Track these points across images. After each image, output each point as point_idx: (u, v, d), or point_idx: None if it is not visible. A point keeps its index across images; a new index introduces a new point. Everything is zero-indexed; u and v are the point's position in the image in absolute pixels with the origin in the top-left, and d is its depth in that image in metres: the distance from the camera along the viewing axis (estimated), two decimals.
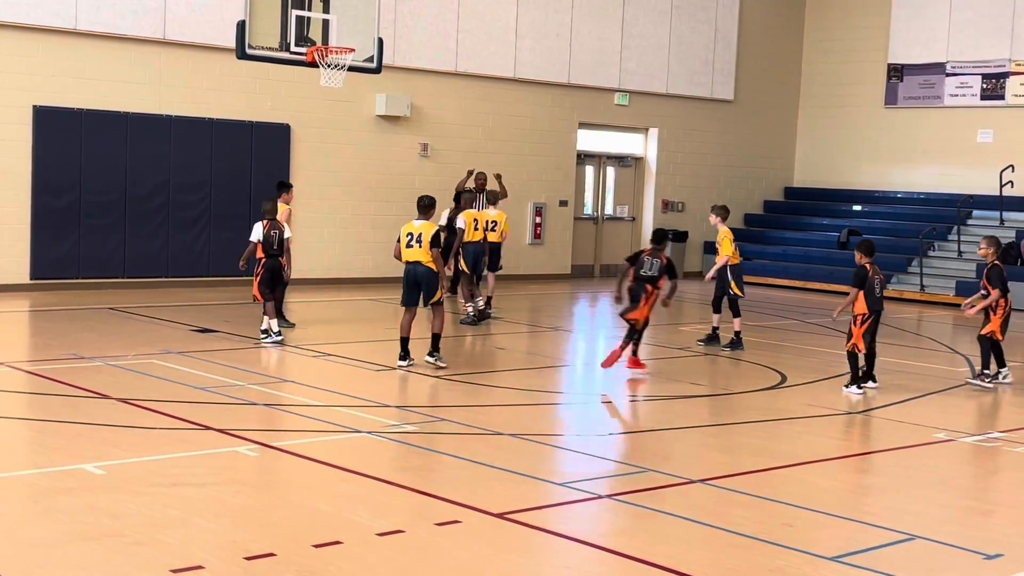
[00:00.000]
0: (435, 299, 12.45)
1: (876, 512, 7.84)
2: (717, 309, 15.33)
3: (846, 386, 12.35)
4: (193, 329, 14.80)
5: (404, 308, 12.62)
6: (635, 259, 12.95)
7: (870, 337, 12.28)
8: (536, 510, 7.58)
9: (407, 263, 12.51)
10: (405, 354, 12.57)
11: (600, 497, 7.95)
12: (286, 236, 14.33)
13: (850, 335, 12.27)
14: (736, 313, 15.18)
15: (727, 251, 15.05)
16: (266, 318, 13.98)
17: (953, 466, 9.47)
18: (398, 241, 12.63)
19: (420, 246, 12.37)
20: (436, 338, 12.58)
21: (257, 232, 14.13)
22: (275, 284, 14.30)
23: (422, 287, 12.44)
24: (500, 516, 7.30)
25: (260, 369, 12.32)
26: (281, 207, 14.90)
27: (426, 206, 12.56)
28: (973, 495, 8.49)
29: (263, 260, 14.12)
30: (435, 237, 12.39)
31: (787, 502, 7.98)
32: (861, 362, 12.34)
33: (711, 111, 26.73)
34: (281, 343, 13.78)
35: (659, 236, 13.16)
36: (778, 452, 9.60)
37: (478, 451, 9.24)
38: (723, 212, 15.48)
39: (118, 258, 18.74)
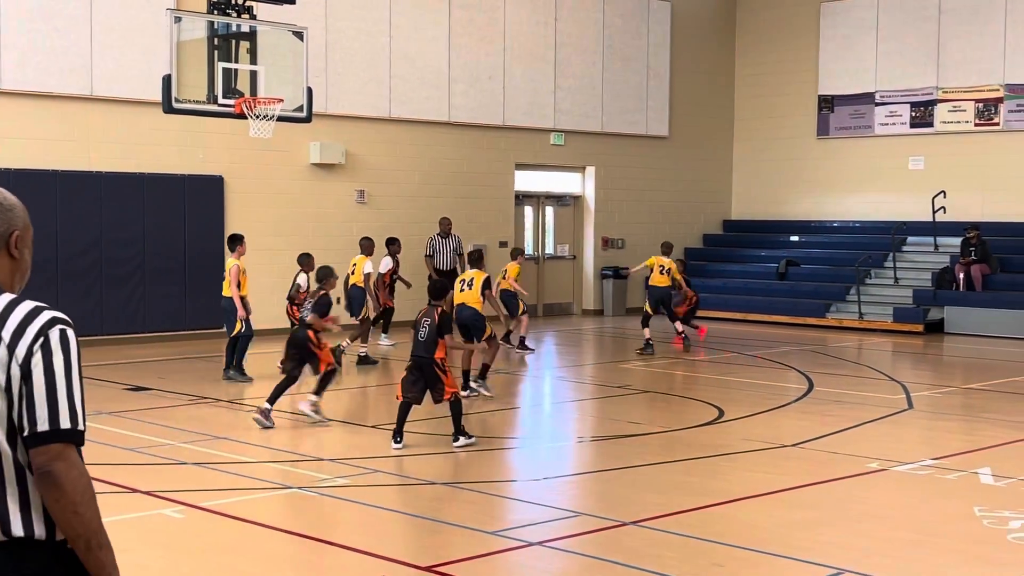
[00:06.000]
0: (485, 336, 13.81)
1: (806, 547, 7.84)
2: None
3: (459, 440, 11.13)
4: (127, 388, 14.60)
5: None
6: None
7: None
8: (466, 561, 7.51)
9: (456, 305, 14.05)
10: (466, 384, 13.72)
11: (531, 545, 7.89)
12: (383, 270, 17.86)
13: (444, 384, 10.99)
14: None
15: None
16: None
17: (884, 496, 9.50)
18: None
19: (471, 289, 14.12)
20: (486, 368, 13.94)
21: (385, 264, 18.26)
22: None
23: (470, 329, 13.98)
24: (428, 569, 7.22)
25: (193, 427, 12.14)
26: (231, 261, 14.94)
27: (476, 259, 14.74)
28: (902, 526, 8.51)
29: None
30: (486, 282, 14.21)
31: (719, 541, 7.97)
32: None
33: (647, 148, 26.92)
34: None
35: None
36: (712, 490, 9.59)
37: (410, 502, 9.16)
38: (515, 253, 19.03)
39: None
